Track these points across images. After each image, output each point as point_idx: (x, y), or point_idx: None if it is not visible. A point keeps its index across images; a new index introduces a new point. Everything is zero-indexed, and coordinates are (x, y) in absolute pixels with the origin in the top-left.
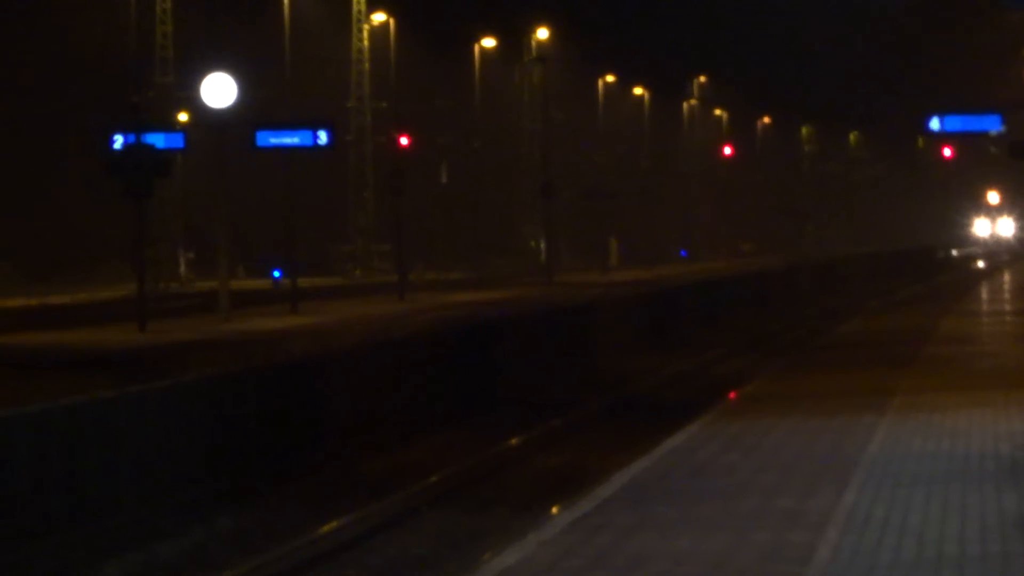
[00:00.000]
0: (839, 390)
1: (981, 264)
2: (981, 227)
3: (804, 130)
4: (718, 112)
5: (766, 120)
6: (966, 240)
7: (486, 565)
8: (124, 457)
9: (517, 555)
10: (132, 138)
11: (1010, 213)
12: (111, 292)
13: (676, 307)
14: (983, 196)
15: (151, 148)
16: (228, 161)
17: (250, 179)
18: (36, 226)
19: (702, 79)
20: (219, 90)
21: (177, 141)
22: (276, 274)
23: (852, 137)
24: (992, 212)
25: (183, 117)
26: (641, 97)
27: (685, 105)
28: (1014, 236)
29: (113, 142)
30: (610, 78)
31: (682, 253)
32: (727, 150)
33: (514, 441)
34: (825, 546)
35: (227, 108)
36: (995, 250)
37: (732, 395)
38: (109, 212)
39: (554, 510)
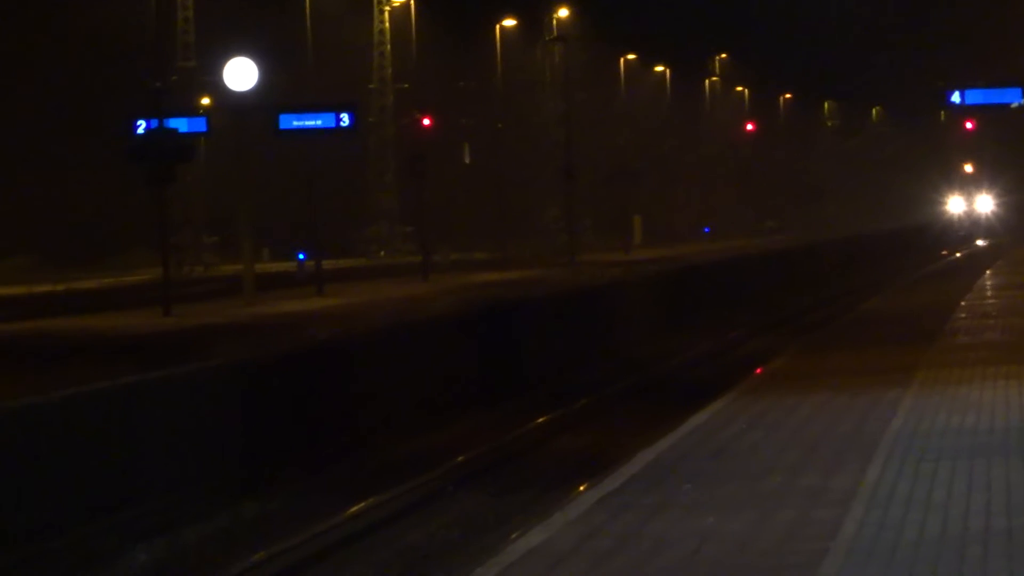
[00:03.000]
0: (863, 367)
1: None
2: (955, 204)
3: (826, 106)
4: (739, 89)
5: (787, 97)
6: (935, 220)
7: (512, 546)
8: (149, 443)
9: (543, 535)
10: (155, 123)
11: (990, 189)
12: (136, 277)
13: (699, 286)
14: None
15: (174, 133)
16: (251, 145)
17: (273, 163)
18: (61, 212)
19: (723, 56)
20: (241, 74)
21: (200, 126)
22: (300, 257)
23: (874, 112)
24: (969, 187)
25: (206, 101)
26: (662, 75)
27: (706, 83)
28: (993, 213)
29: (136, 127)
30: (631, 57)
31: (705, 231)
32: (749, 127)
33: (539, 422)
34: (850, 523)
35: (249, 92)
36: (969, 230)
37: (757, 372)
38: (133, 198)
39: (580, 490)
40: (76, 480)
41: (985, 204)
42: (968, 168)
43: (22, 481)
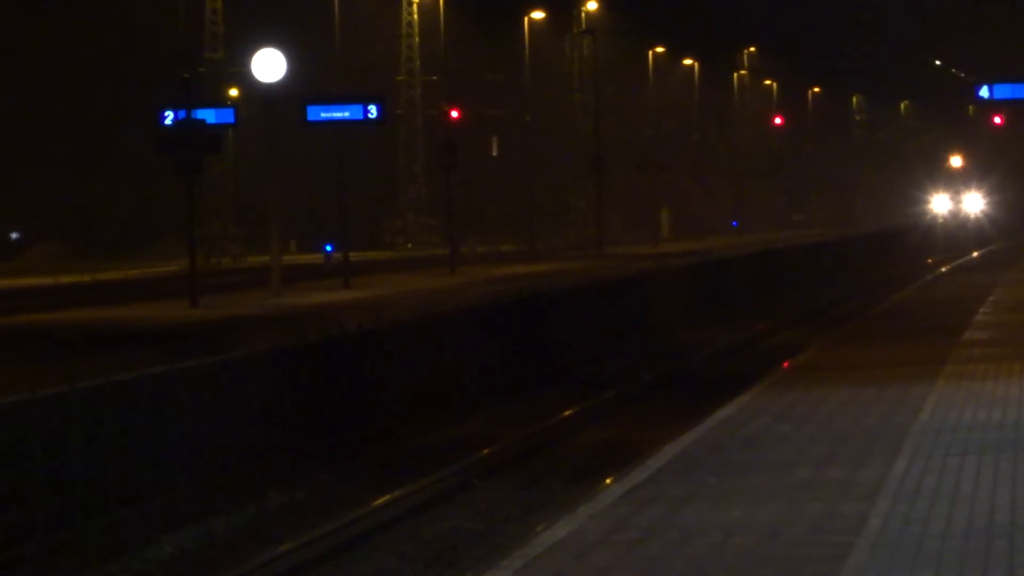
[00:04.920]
0: (891, 360)
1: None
2: (939, 203)
3: (855, 99)
4: (768, 83)
5: (816, 90)
6: (915, 220)
7: (539, 538)
8: (176, 433)
9: (569, 527)
10: (183, 114)
11: (979, 187)
12: (163, 268)
13: (728, 279)
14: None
15: (202, 124)
16: (279, 136)
17: (301, 154)
18: (89, 203)
19: (752, 50)
20: (269, 65)
21: (228, 117)
22: (328, 248)
23: (903, 106)
24: (956, 185)
25: (234, 93)
26: (691, 68)
27: (735, 76)
28: (983, 213)
29: (164, 118)
30: (660, 50)
31: (733, 224)
32: (777, 121)
33: (566, 414)
34: (877, 516)
35: (277, 83)
36: (950, 236)
37: (785, 365)
38: (162, 189)
39: (607, 482)
40: (104, 469)
41: (974, 203)
42: (955, 161)
43: (50, 470)
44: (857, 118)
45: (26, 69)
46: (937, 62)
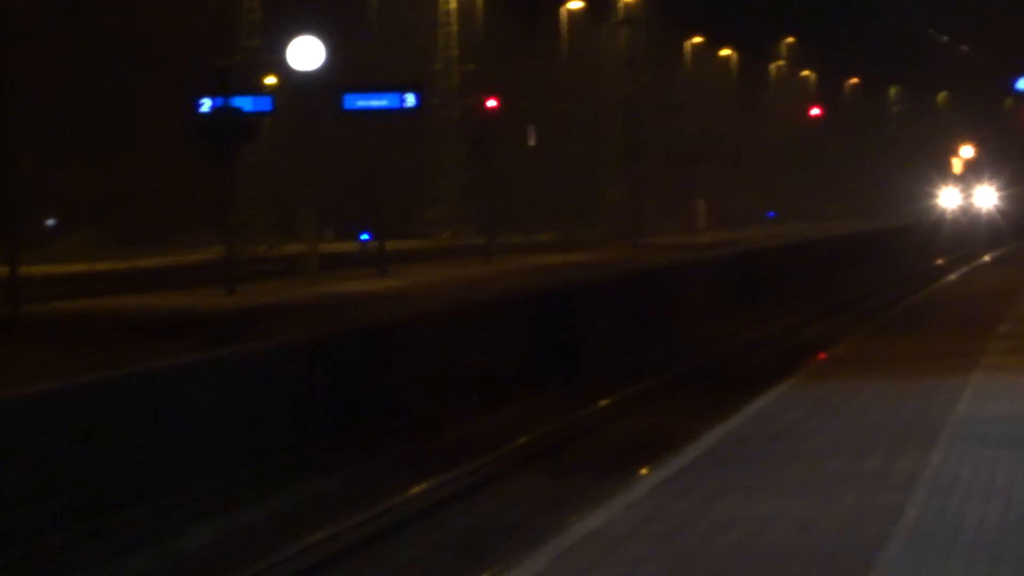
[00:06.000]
0: (926, 352)
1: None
2: (949, 197)
3: (892, 91)
4: (805, 73)
5: (853, 81)
6: (921, 217)
7: (572, 528)
8: (208, 422)
9: (602, 518)
10: (219, 102)
11: (991, 180)
12: (198, 256)
13: (762, 270)
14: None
15: (238, 112)
16: (315, 124)
17: (337, 142)
18: (124, 190)
19: (790, 40)
20: (306, 53)
21: (264, 105)
22: (364, 237)
23: (940, 98)
24: (969, 179)
25: (270, 80)
26: (728, 59)
27: (772, 67)
28: (996, 208)
29: (200, 106)
30: (697, 40)
31: (769, 215)
32: (814, 111)
33: (599, 405)
34: (911, 508)
35: (314, 71)
36: (960, 235)
37: (819, 357)
38: (197, 176)
39: (640, 473)
40: (135, 459)
41: (986, 197)
42: (966, 152)
43: (81, 460)
44: (895, 109)
45: (60, 56)
46: (964, 47)
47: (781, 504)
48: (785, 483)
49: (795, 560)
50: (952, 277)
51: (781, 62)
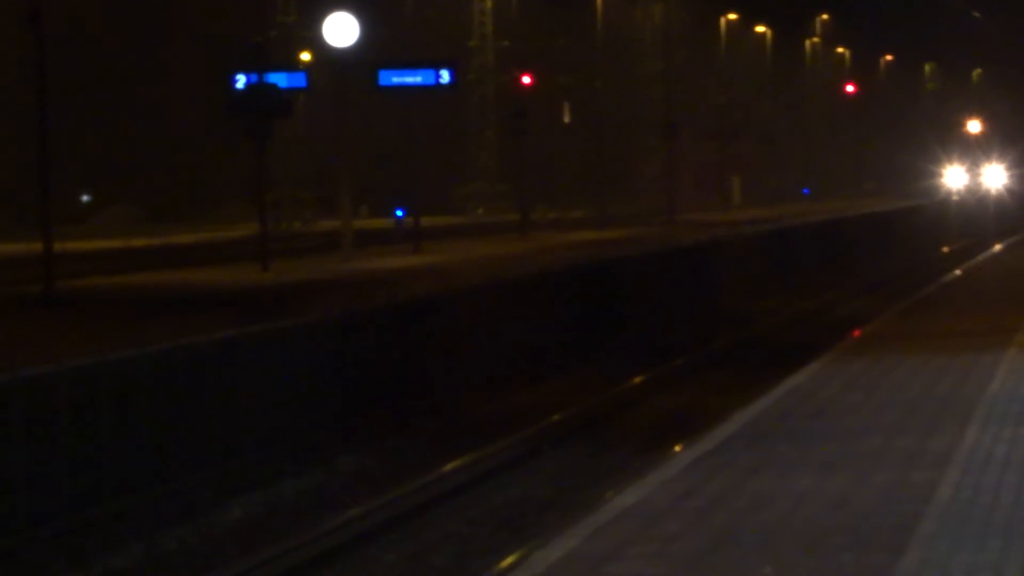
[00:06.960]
0: (962, 329)
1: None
2: (954, 177)
3: (927, 68)
4: (840, 50)
5: (889, 58)
6: (926, 196)
7: (607, 504)
8: (245, 397)
9: (638, 494)
10: (254, 78)
11: (1001, 158)
12: (234, 232)
13: (798, 247)
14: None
15: (273, 88)
16: (350, 100)
17: (373, 119)
18: (160, 166)
19: (824, 17)
20: (341, 29)
21: (300, 81)
22: (399, 213)
23: (975, 75)
24: (975, 156)
25: (305, 57)
26: (763, 36)
27: (807, 44)
28: (1006, 188)
29: (235, 82)
30: (732, 17)
31: (804, 191)
32: (849, 88)
33: (636, 381)
34: (946, 486)
35: (349, 47)
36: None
37: (855, 334)
38: (232, 152)
39: (676, 449)
40: (173, 434)
41: (997, 177)
42: (973, 127)
43: (119, 434)
44: (929, 86)
45: (95, 32)
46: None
47: (817, 481)
48: (822, 459)
49: (831, 536)
50: (995, 250)
51: (816, 39)
